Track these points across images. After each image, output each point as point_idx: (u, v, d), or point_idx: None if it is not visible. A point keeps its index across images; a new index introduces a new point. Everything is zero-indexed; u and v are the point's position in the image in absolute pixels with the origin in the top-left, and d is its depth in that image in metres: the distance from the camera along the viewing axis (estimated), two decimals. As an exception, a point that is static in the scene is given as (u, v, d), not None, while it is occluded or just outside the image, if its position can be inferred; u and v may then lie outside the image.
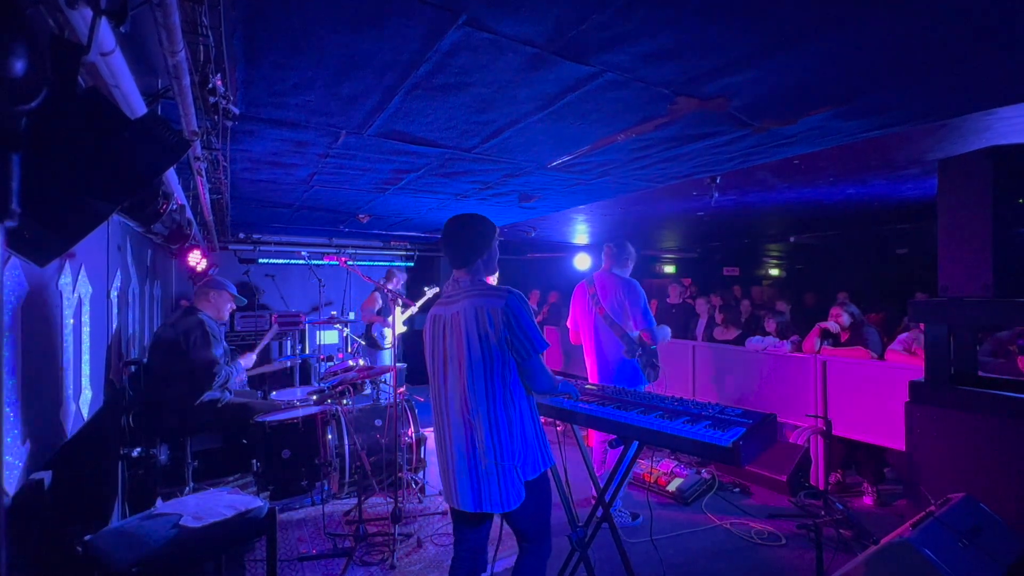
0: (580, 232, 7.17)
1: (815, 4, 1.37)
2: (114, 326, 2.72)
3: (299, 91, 1.92)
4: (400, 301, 3.76)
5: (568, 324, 3.61)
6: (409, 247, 7.93)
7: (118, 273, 2.75)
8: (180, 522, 1.86)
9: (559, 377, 2.10)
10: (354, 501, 3.36)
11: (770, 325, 4.78)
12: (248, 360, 3.69)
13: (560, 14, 1.39)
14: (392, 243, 7.72)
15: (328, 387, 3.52)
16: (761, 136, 2.52)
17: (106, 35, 1.02)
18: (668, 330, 3.39)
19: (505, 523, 1.86)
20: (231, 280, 3.66)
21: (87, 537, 1.76)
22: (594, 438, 3.57)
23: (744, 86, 1.91)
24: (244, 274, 6.66)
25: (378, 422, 3.72)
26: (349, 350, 6.39)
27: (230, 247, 6.58)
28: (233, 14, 1.38)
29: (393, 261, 7.90)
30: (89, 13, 0.92)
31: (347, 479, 3.51)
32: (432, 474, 3.78)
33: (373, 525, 3.15)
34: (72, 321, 1.93)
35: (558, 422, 2.26)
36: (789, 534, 3.10)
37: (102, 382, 2.44)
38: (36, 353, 1.55)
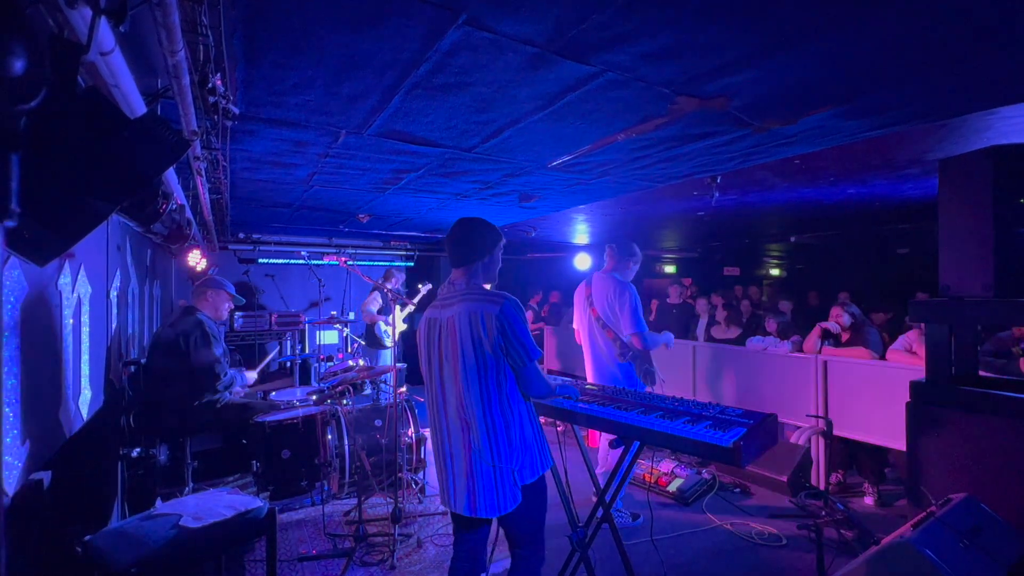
0: (580, 232, 7.17)
1: (815, 4, 1.37)
2: (113, 326, 2.72)
3: (299, 91, 1.92)
4: (400, 300, 3.76)
5: (574, 325, 3.60)
6: (409, 247, 7.93)
7: (117, 273, 2.75)
8: (180, 522, 1.86)
9: (560, 379, 2.10)
10: (354, 501, 3.36)
11: (771, 325, 4.77)
12: (251, 376, 3.69)
13: (560, 14, 1.39)
14: (392, 243, 7.72)
15: (328, 387, 3.52)
16: (761, 136, 2.51)
17: (105, 34, 1.02)
18: (670, 336, 3.36)
19: (499, 527, 1.85)
20: (231, 280, 3.66)
21: (87, 537, 1.76)
22: (597, 438, 3.57)
23: (744, 86, 1.91)
24: (244, 274, 6.66)
25: (378, 422, 3.71)
26: (349, 350, 6.39)
27: (230, 247, 6.58)
28: (233, 13, 1.37)
29: (393, 261, 7.90)
30: (88, 12, 0.92)
31: (347, 479, 3.51)
32: (432, 474, 3.77)
33: (373, 525, 3.14)
34: (72, 321, 1.92)
35: (558, 422, 2.26)
36: (790, 534, 3.10)
37: (102, 382, 2.43)
38: (35, 353, 1.55)
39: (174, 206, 2.57)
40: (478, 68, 1.74)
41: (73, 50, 0.93)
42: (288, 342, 6.63)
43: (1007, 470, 2.36)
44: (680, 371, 4.75)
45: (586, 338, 3.42)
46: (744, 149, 2.75)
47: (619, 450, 2.07)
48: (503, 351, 1.70)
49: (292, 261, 7.02)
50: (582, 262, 6.50)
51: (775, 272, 11.63)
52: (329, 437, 3.44)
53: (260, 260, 6.87)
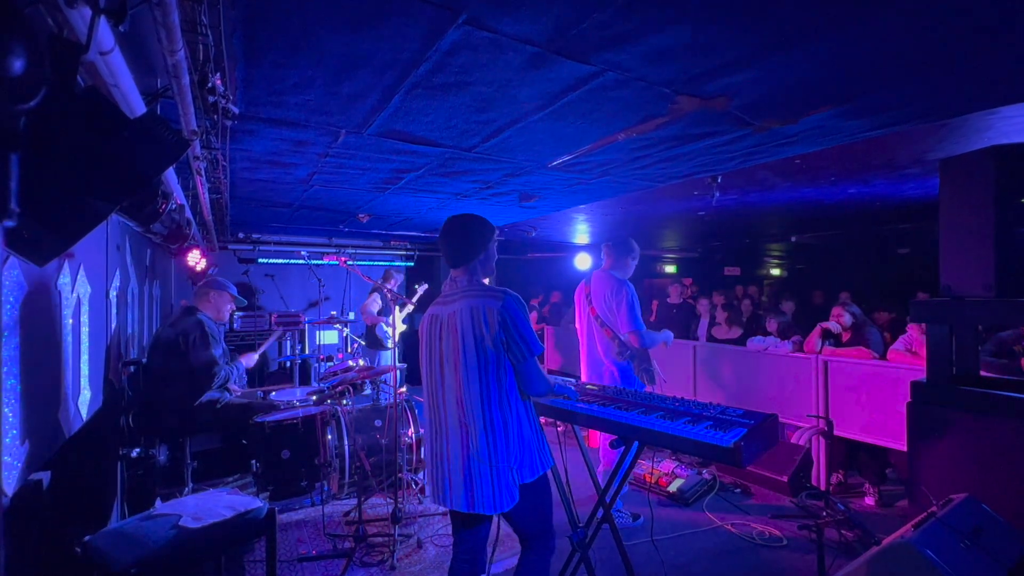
0: (581, 232, 7.17)
1: (815, 4, 1.37)
2: (113, 326, 2.72)
3: (299, 90, 1.91)
4: (399, 300, 3.76)
5: (576, 325, 3.60)
6: (409, 247, 7.93)
7: (117, 273, 2.75)
8: (179, 523, 1.85)
9: (558, 378, 2.10)
10: (354, 502, 3.36)
11: (771, 325, 4.77)
12: (250, 360, 3.68)
13: (560, 13, 1.39)
14: (392, 243, 7.72)
15: (328, 387, 3.52)
16: (762, 136, 2.51)
17: (105, 34, 1.02)
18: (669, 334, 3.35)
19: (506, 523, 1.85)
20: (230, 280, 3.66)
21: (86, 538, 1.76)
22: (597, 438, 3.57)
23: (745, 86, 1.90)
24: (243, 274, 6.66)
25: (378, 422, 3.71)
26: (349, 350, 6.39)
27: (229, 247, 6.58)
28: (232, 13, 1.37)
29: (393, 261, 7.90)
30: (88, 12, 0.92)
31: (347, 480, 3.51)
32: (432, 474, 3.77)
33: (373, 526, 3.14)
34: (71, 321, 1.92)
35: (558, 422, 2.26)
36: (790, 535, 3.10)
37: (101, 382, 2.43)
38: (35, 353, 1.54)
39: (174, 206, 2.57)
40: (478, 68, 1.74)
41: (72, 50, 0.93)
42: (288, 342, 6.63)
43: (1008, 470, 2.36)
44: (680, 371, 4.75)
45: (583, 336, 3.42)
46: (745, 149, 2.75)
47: (619, 450, 2.07)
48: (504, 346, 1.70)
49: (292, 261, 7.02)
50: (582, 262, 6.50)
51: (776, 272, 11.63)
52: (329, 437, 3.43)
53: (260, 260, 6.86)
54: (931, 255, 2.91)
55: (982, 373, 2.84)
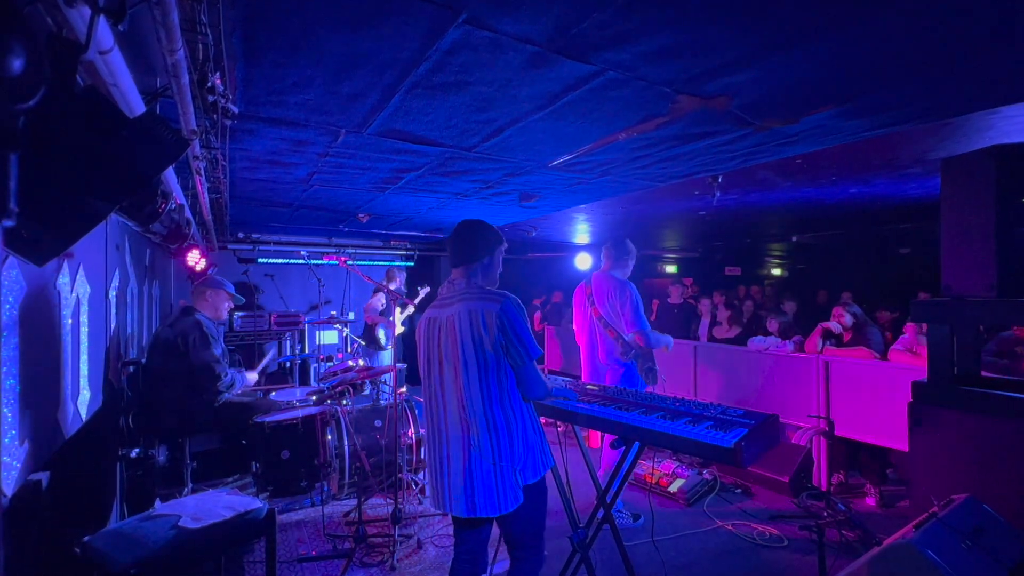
0: (581, 232, 7.17)
1: (815, 4, 1.36)
2: (112, 326, 2.72)
3: (298, 90, 1.91)
4: (401, 300, 3.75)
5: (574, 326, 3.60)
6: (409, 247, 7.93)
7: (116, 273, 2.75)
8: (179, 523, 1.85)
9: (560, 379, 2.09)
10: (354, 502, 3.35)
11: (772, 325, 4.77)
12: (251, 378, 3.67)
13: (560, 12, 1.38)
14: (392, 243, 7.72)
15: (328, 387, 3.51)
16: (763, 135, 2.51)
17: (104, 33, 1.02)
18: (669, 339, 3.36)
19: (499, 530, 1.84)
20: (230, 280, 3.65)
21: (85, 538, 1.75)
22: (597, 439, 3.56)
23: (745, 85, 1.90)
24: (243, 274, 6.65)
25: (378, 423, 3.71)
26: (349, 350, 6.39)
27: (229, 247, 6.57)
28: (232, 12, 1.37)
29: (393, 261, 7.89)
30: (87, 11, 0.92)
31: (347, 480, 3.50)
32: (432, 474, 3.76)
33: (373, 526, 3.14)
34: (70, 321, 1.92)
35: (559, 422, 2.26)
36: (791, 535, 3.09)
37: (100, 382, 2.43)
38: (34, 353, 1.54)
39: (173, 206, 2.57)
40: (478, 67, 1.73)
41: (72, 49, 0.93)
42: (287, 342, 6.62)
43: (1009, 471, 2.35)
44: (681, 371, 4.74)
45: (585, 338, 3.41)
46: (745, 148, 2.75)
47: (620, 451, 2.07)
48: (503, 349, 1.69)
49: (292, 261, 7.01)
50: (583, 262, 6.50)
51: (776, 272, 11.63)
52: (329, 438, 3.43)
53: (259, 260, 6.86)
54: (932, 255, 2.90)
55: (983, 373, 2.83)
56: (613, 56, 1.65)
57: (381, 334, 5.50)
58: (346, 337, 6.40)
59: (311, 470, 3.38)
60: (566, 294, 7.55)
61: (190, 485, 3.21)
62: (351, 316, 6.74)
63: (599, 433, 3.88)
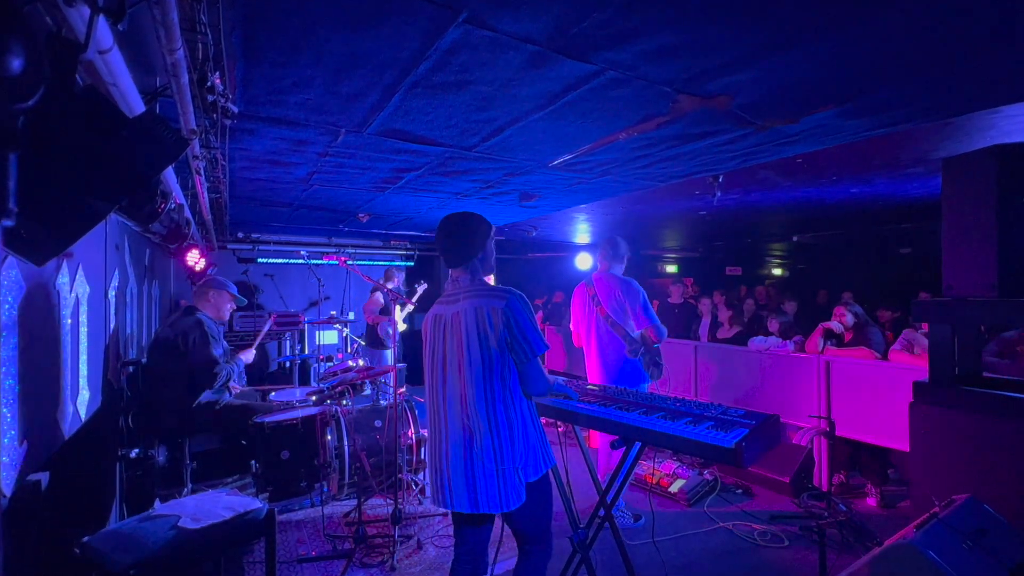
0: (581, 231, 7.17)
1: (815, 4, 1.36)
2: (112, 326, 2.71)
3: (298, 89, 1.91)
4: (400, 300, 3.75)
5: (571, 327, 3.60)
6: (409, 246, 7.93)
7: (116, 273, 2.74)
8: (178, 524, 1.85)
9: (558, 378, 2.09)
10: (354, 502, 3.35)
11: (773, 325, 4.76)
12: (248, 356, 3.67)
13: (561, 12, 1.38)
14: (392, 242, 7.72)
15: (327, 387, 3.51)
16: (763, 135, 2.51)
17: (104, 33, 1.01)
18: (664, 329, 3.39)
19: (505, 524, 1.84)
20: (230, 280, 3.65)
21: (85, 538, 1.75)
22: (598, 439, 3.56)
23: (746, 85, 1.90)
24: (243, 274, 6.65)
25: (378, 423, 3.70)
26: (349, 350, 6.38)
27: (229, 246, 6.57)
28: (232, 12, 1.37)
29: (393, 260, 7.89)
30: (87, 11, 0.92)
31: (347, 480, 3.50)
32: (433, 475, 3.76)
33: (373, 527, 3.13)
34: (70, 321, 1.92)
35: (559, 422, 2.25)
36: (792, 536, 3.09)
37: (100, 382, 2.43)
38: (34, 353, 1.54)
39: (173, 205, 2.57)
40: (478, 66, 1.73)
41: (71, 49, 0.93)
42: (288, 342, 6.62)
43: (1010, 471, 2.35)
44: (681, 371, 4.74)
45: (592, 338, 3.40)
46: (746, 148, 2.74)
47: (620, 451, 2.06)
48: (508, 346, 1.69)
49: (291, 261, 7.01)
50: (583, 261, 6.50)
51: (777, 272, 11.63)
52: (329, 438, 3.43)
53: (259, 260, 6.86)
54: (933, 255, 2.90)
55: (985, 374, 2.83)
56: (613, 55, 1.64)
57: (384, 333, 5.49)
58: (346, 337, 6.39)
59: (311, 470, 3.38)
60: (567, 294, 7.55)
61: (190, 485, 3.21)
62: (351, 316, 6.74)
63: (599, 434, 3.88)
